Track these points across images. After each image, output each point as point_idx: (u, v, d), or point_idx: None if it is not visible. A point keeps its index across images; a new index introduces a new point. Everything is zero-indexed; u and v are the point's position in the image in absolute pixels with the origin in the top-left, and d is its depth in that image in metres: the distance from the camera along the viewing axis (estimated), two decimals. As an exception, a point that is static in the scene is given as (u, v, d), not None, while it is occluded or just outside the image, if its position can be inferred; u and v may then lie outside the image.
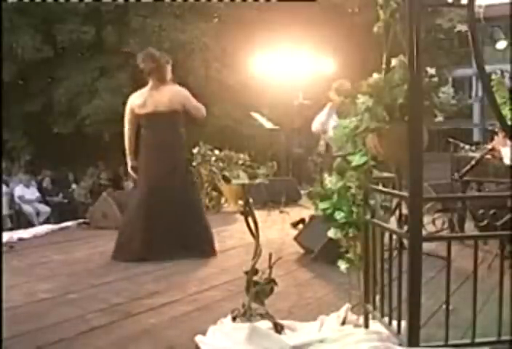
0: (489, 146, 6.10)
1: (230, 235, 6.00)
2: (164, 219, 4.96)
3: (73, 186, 12.92)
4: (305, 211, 6.45)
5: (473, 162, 5.61)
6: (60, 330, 3.09)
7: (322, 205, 2.89)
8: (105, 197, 7.33)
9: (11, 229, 8.60)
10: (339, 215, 2.84)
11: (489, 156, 5.83)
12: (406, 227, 2.47)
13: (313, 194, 2.95)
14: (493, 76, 5.70)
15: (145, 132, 5.19)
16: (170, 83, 5.19)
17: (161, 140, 5.10)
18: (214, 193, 8.56)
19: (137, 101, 5.13)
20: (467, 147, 6.87)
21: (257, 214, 3.02)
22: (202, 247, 5.03)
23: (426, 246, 2.61)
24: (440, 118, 2.56)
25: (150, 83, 5.15)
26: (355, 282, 2.96)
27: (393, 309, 2.63)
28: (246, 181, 2.98)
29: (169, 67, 5.21)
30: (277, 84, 13.43)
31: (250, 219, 2.98)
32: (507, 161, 5.75)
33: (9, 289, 3.53)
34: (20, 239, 6.23)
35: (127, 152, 5.28)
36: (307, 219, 5.62)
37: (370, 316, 2.88)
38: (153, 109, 5.05)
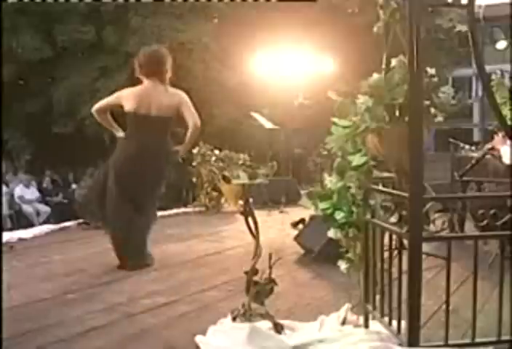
0: (490, 145, 6.11)
1: (230, 235, 6.00)
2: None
3: (73, 186, 12.91)
4: (305, 211, 6.45)
5: (473, 161, 5.61)
6: (59, 330, 3.09)
7: (322, 205, 2.89)
8: (105, 197, 7.33)
9: (11, 229, 8.60)
10: (339, 215, 2.84)
11: (489, 156, 5.83)
12: (406, 227, 2.47)
13: (313, 194, 2.95)
14: (493, 76, 5.70)
15: (129, 133, 4.72)
16: (168, 85, 4.74)
17: (146, 147, 4.62)
18: (214, 193, 8.57)
19: (130, 99, 4.63)
20: (467, 147, 6.87)
21: (257, 214, 3.02)
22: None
23: (426, 245, 2.61)
24: (440, 118, 2.57)
25: (148, 82, 4.68)
26: (355, 282, 2.96)
27: (393, 309, 2.63)
28: (247, 181, 2.98)
29: (169, 66, 4.74)
30: (277, 84, 13.42)
31: (250, 219, 2.98)
32: (506, 160, 5.75)
33: (9, 289, 3.53)
34: (20, 239, 6.23)
35: (109, 126, 4.82)
36: (307, 219, 5.62)
37: (370, 316, 2.88)
38: (147, 112, 4.60)
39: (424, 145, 2.41)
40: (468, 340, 2.54)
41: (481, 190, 5.58)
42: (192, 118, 4.66)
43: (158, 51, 4.79)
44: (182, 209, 8.81)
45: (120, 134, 4.82)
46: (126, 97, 4.68)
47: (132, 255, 4.67)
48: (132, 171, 4.66)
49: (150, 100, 4.62)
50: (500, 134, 5.85)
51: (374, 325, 2.84)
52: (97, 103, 4.81)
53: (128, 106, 4.64)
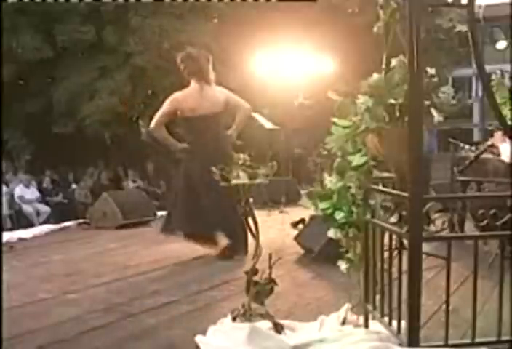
0: (489, 142, 6.11)
1: (230, 235, 5.99)
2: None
3: (73, 186, 12.90)
4: (305, 211, 6.45)
5: (472, 157, 5.61)
6: (59, 330, 3.10)
7: (322, 205, 2.89)
8: (105, 197, 7.35)
9: (11, 229, 8.60)
10: (339, 215, 2.84)
11: (489, 155, 5.84)
12: (406, 227, 2.47)
13: (313, 194, 2.95)
14: (493, 76, 5.70)
15: (190, 135, 5.08)
16: (213, 84, 5.14)
17: (209, 144, 4.97)
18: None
19: (186, 104, 5.00)
20: (467, 147, 6.88)
21: (257, 214, 3.03)
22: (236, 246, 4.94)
23: (426, 245, 2.61)
24: (440, 118, 2.57)
25: (195, 85, 5.04)
26: (355, 282, 2.96)
27: (393, 309, 2.63)
28: (247, 181, 2.98)
29: (210, 66, 5.12)
30: (277, 84, 13.42)
31: (250, 219, 2.98)
32: (505, 158, 5.76)
33: (9, 289, 3.53)
34: (20, 239, 6.24)
35: (169, 142, 5.16)
36: (307, 219, 5.62)
37: (370, 316, 2.88)
38: (204, 112, 4.98)
39: (427, 147, 2.43)
40: (467, 340, 2.54)
41: (481, 190, 5.58)
42: (240, 102, 5.19)
43: (187, 53, 5.13)
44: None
45: (180, 145, 5.13)
46: (182, 100, 5.04)
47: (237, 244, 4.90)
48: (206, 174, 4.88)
49: (204, 100, 5.02)
50: (500, 132, 5.85)
51: (374, 325, 2.84)
52: (152, 120, 5.11)
53: (187, 108, 5.00)
